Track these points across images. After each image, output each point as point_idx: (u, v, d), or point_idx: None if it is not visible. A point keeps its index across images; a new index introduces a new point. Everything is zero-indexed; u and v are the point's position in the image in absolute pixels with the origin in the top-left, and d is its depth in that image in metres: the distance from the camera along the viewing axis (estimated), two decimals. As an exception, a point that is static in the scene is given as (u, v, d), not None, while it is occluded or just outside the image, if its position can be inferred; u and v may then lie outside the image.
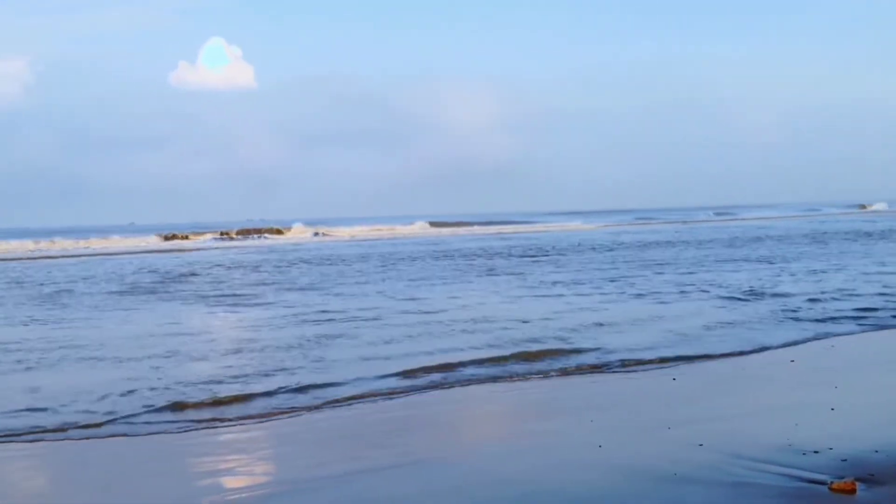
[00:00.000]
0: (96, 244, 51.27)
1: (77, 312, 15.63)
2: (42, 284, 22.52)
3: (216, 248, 47.08)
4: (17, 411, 7.75)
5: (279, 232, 64.36)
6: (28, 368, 10.01)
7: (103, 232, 67.49)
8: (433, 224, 72.16)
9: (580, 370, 9.25)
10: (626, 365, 9.43)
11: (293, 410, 7.66)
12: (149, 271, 26.80)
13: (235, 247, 47.64)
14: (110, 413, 7.61)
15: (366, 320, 13.39)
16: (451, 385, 8.56)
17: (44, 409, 7.79)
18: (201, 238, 59.12)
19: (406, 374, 9.06)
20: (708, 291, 16.20)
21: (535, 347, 10.45)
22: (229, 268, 27.96)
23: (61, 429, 7.13)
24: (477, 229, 67.37)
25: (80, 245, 50.63)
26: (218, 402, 7.94)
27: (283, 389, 8.46)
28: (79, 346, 11.46)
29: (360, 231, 64.65)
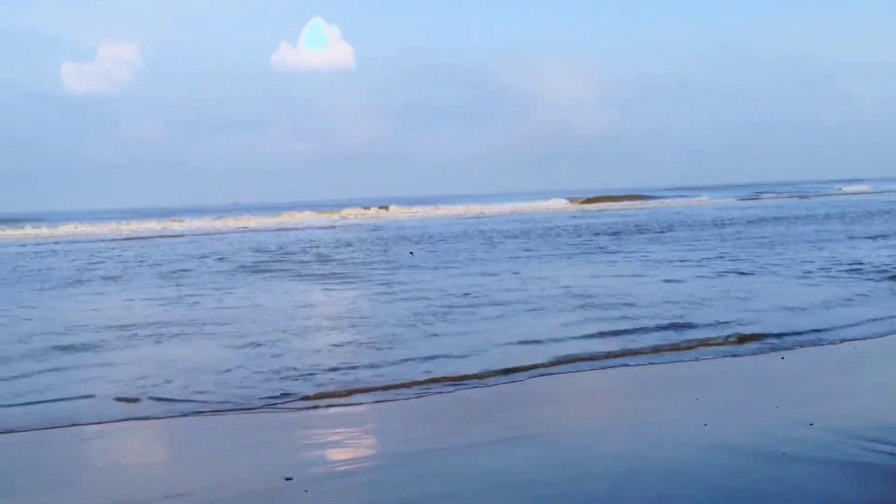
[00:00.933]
0: (207, 224, 53.00)
1: (204, 289, 16.23)
2: (159, 263, 23.47)
3: (320, 226, 48.00)
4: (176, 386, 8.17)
5: (384, 209, 65.17)
6: (160, 342, 10.50)
7: (207, 212, 69.90)
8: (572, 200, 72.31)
9: (689, 346, 9.14)
10: (738, 341, 9.28)
11: (403, 386, 7.82)
12: (257, 250, 27.55)
13: (340, 225, 48.51)
14: (234, 391, 7.95)
15: (499, 302, 13.48)
16: (558, 363, 8.56)
17: (204, 386, 8.19)
18: (304, 217, 60.31)
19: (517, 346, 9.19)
20: (829, 270, 15.67)
21: (647, 323, 10.40)
22: (337, 246, 28.53)
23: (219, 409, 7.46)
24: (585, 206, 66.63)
25: (192, 225, 52.45)
26: (330, 380, 8.17)
27: (389, 363, 8.67)
28: (206, 322, 11.93)
29: (459, 210, 64.75)
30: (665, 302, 12.12)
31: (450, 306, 12.47)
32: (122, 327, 11.64)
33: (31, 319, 12.86)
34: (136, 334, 11.02)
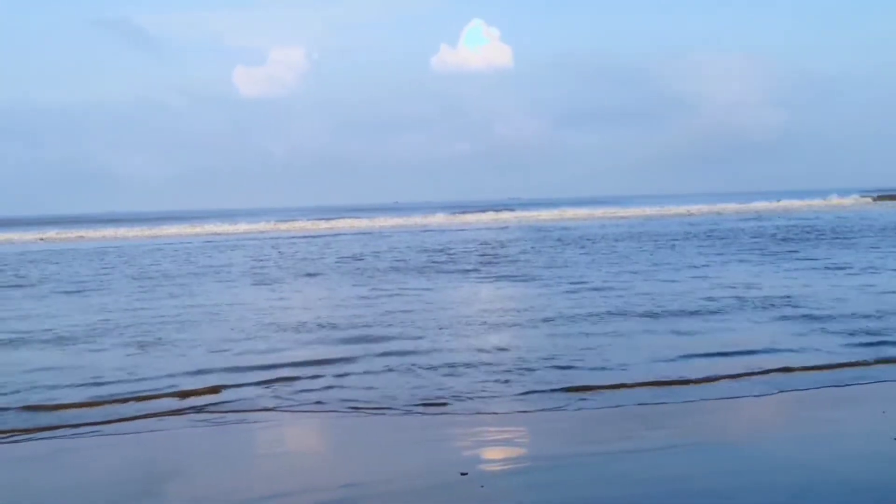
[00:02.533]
0: (384, 223, 54.66)
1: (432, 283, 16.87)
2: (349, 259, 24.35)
3: (484, 227, 48.42)
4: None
5: (547, 210, 65.11)
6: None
7: (371, 211, 72.00)
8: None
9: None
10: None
11: (570, 391, 7.88)
12: (423, 250, 28.10)
13: (499, 225, 48.78)
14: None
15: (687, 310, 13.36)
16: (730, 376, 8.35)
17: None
18: (467, 218, 61.02)
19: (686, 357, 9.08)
20: None
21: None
22: (511, 245, 28.73)
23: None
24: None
25: (363, 224, 54.18)
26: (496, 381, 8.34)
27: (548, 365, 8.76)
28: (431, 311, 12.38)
29: (629, 212, 63.71)
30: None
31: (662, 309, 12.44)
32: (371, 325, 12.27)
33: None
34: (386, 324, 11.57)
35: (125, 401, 7.79)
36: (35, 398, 7.92)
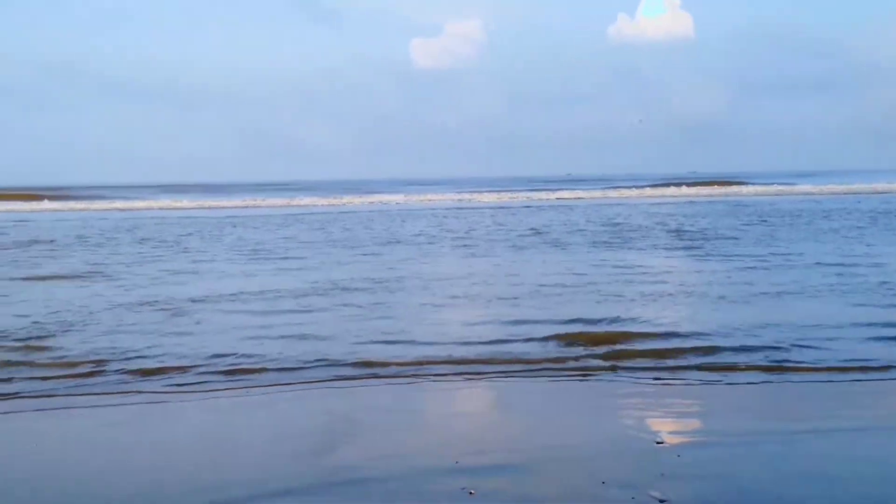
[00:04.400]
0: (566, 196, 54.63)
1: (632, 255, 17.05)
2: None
3: (662, 201, 47.38)
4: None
5: (729, 184, 62.89)
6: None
7: (544, 182, 71.74)
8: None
9: None
10: None
11: (750, 368, 7.79)
12: (603, 223, 27.95)
13: (694, 197, 47.56)
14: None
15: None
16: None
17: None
18: (638, 190, 59.85)
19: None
20: None
21: None
22: (745, 222, 28.17)
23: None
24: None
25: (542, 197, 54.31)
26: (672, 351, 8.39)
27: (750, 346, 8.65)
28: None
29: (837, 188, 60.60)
30: None
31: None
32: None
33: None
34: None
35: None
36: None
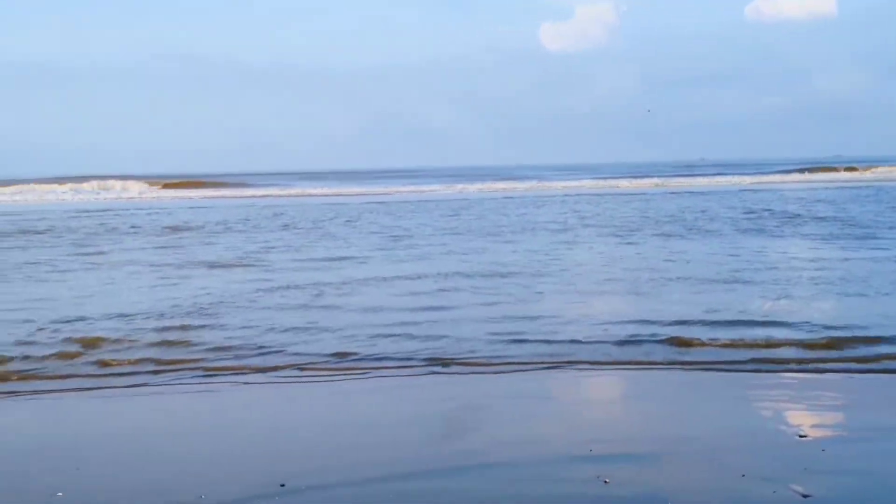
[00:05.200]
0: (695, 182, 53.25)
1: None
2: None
3: (824, 186, 45.47)
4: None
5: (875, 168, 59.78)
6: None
7: (677, 167, 69.84)
8: None
9: None
10: None
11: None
12: (749, 210, 27.11)
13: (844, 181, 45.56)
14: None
15: None
16: None
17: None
18: (781, 175, 57.57)
19: None
20: None
21: None
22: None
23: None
24: None
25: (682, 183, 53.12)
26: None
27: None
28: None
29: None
30: None
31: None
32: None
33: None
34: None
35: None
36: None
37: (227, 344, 8.52)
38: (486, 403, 6.53)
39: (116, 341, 8.62)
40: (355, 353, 8.07)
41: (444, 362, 7.68)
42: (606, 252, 15.93)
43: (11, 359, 8.01)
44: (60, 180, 61.84)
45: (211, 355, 8.10)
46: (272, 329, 9.14)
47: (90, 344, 8.44)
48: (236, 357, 8.01)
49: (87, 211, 33.73)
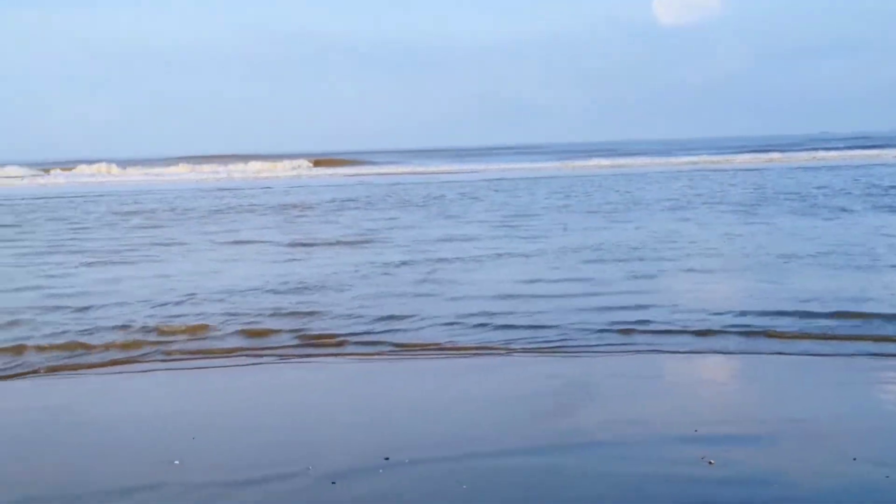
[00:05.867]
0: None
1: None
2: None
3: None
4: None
5: None
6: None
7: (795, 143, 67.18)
8: None
9: None
10: None
11: None
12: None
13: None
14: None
15: None
16: None
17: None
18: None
19: None
20: None
21: None
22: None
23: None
24: None
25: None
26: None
27: None
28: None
29: None
30: None
31: None
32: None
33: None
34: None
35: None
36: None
37: (342, 317, 8.73)
38: (592, 382, 6.50)
39: (233, 316, 8.92)
40: (464, 332, 8.12)
41: (554, 345, 7.61)
42: (729, 230, 15.43)
43: (152, 329, 8.40)
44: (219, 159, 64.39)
45: (322, 329, 8.30)
46: (384, 305, 9.26)
47: (194, 329, 8.56)
48: (349, 333, 8.14)
49: (265, 188, 34.78)
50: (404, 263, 12.22)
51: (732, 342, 7.50)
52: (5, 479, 4.83)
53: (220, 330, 8.39)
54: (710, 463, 4.71)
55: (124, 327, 8.52)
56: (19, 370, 7.18)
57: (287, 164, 59.50)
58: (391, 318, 8.70)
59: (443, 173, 47.65)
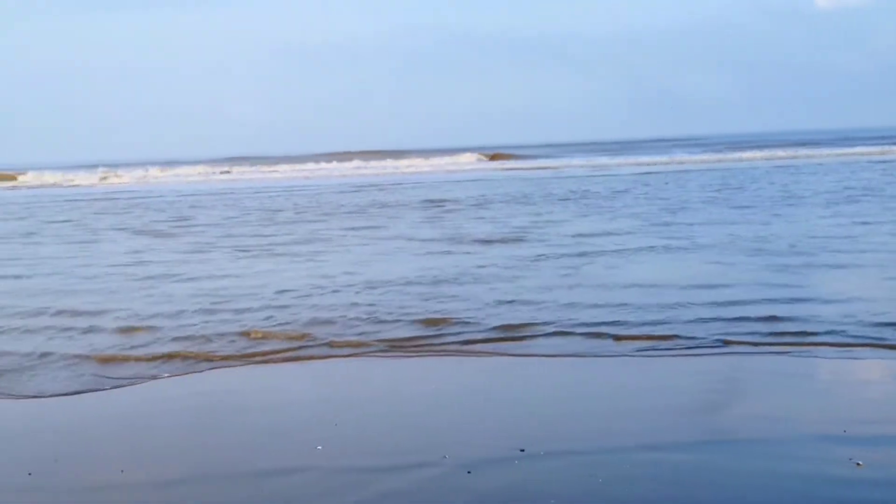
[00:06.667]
0: None
1: None
2: None
3: None
4: None
5: None
6: None
7: None
8: None
9: None
10: None
11: None
12: None
13: None
14: None
15: None
16: None
17: None
18: None
19: None
20: None
21: None
22: None
23: None
24: None
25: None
26: None
27: None
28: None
29: None
30: None
31: None
32: None
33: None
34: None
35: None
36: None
37: (486, 313, 8.75)
38: (741, 379, 6.36)
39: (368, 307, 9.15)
40: (620, 324, 8.05)
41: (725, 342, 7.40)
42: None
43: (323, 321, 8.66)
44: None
45: (469, 321, 8.40)
46: (530, 302, 9.21)
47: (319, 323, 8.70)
48: (492, 329, 8.13)
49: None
50: (556, 256, 12.25)
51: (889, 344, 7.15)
52: (184, 456, 5.21)
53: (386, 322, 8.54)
54: (858, 465, 4.53)
55: (291, 321, 8.73)
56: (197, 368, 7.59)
57: (466, 156, 59.99)
58: (533, 314, 8.66)
59: (593, 167, 46.86)
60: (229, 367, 7.32)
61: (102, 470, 5.01)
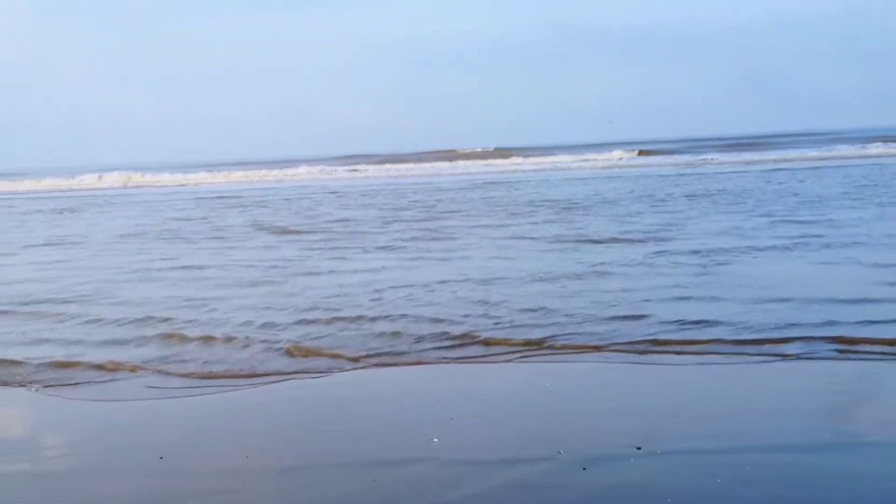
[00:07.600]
0: None
1: None
2: None
3: None
4: None
5: None
6: None
7: None
8: None
9: None
10: None
11: None
12: None
13: None
14: None
15: None
16: None
17: None
18: None
19: None
20: None
21: None
22: None
23: None
24: None
25: None
26: None
27: None
28: None
29: None
30: None
31: None
32: None
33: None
34: None
35: None
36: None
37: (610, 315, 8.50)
38: (870, 384, 6.15)
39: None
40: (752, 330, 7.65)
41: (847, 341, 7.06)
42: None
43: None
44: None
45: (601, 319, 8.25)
46: (647, 301, 8.96)
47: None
48: (607, 330, 7.91)
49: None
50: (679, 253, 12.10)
51: None
52: (315, 447, 5.36)
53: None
54: None
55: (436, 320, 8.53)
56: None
57: (615, 153, 59.17)
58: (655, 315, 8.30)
59: (724, 164, 45.32)
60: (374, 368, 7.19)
61: (229, 456, 5.20)
